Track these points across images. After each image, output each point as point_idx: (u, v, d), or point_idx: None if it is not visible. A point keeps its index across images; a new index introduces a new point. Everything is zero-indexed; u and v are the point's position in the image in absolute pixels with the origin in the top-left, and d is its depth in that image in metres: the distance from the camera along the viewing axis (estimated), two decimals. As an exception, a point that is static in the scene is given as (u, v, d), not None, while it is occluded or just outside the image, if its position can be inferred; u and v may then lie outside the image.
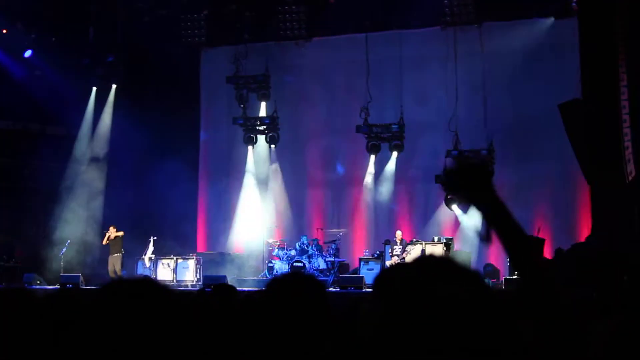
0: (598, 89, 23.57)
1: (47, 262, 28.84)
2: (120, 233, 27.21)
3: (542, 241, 24.39)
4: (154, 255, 28.13)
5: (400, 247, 26.32)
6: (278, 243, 28.66)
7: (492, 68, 28.00)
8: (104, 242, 27.53)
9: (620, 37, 22.66)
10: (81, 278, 26.68)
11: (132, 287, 2.22)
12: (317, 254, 27.54)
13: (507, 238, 2.69)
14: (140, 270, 27.83)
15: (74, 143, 31.36)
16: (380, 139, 28.66)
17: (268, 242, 29.17)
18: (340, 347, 3.39)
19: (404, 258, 25.51)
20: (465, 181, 2.78)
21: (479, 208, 2.74)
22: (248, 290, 19.23)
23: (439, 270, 1.96)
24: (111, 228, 27.31)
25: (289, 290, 3.61)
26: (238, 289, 9.86)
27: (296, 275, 3.95)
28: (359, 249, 28.85)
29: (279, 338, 3.42)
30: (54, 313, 4.11)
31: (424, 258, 2.19)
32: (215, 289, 9.55)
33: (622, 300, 12.18)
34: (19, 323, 4.03)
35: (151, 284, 2.25)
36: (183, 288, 26.06)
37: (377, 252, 27.30)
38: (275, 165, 31.37)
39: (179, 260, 28.22)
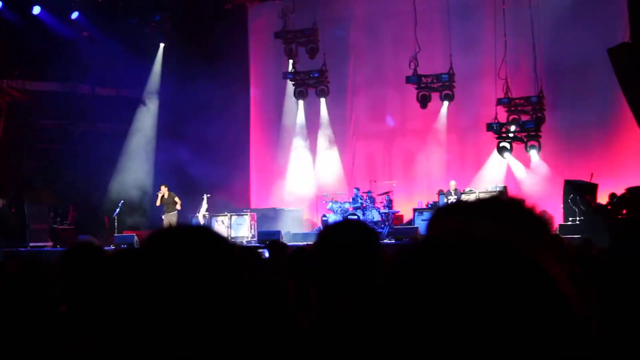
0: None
1: (101, 224, 28.99)
2: (174, 195, 27.21)
3: (595, 186, 24.60)
4: (208, 213, 28.23)
5: (455, 197, 26.25)
6: (331, 196, 28.63)
7: (540, 13, 27.65)
8: (158, 202, 27.56)
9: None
10: (136, 238, 26.41)
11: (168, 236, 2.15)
12: (371, 206, 27.48)
13: None
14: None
15: (123, 103, 31.43)
16: (430, 88, 28.50)
17: (321, 196, 29.18)
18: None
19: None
20: None
21: None
22: (301, 245, 19.28)
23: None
24: (162, 187, 27.32)
25: (342, 238, 3.60)
26: (293, 243, 9.93)
27: (348, 223, 3.92)
28: (412, 200, 28.76)
29: (331, 286, 3.42)
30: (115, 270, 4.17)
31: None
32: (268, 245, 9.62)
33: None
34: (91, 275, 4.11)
35: (192, 230, 2.18)
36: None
37: (432, 203, 27.21)
38: (326, 119, 31.33)
39: (234, 217, 28.32)
